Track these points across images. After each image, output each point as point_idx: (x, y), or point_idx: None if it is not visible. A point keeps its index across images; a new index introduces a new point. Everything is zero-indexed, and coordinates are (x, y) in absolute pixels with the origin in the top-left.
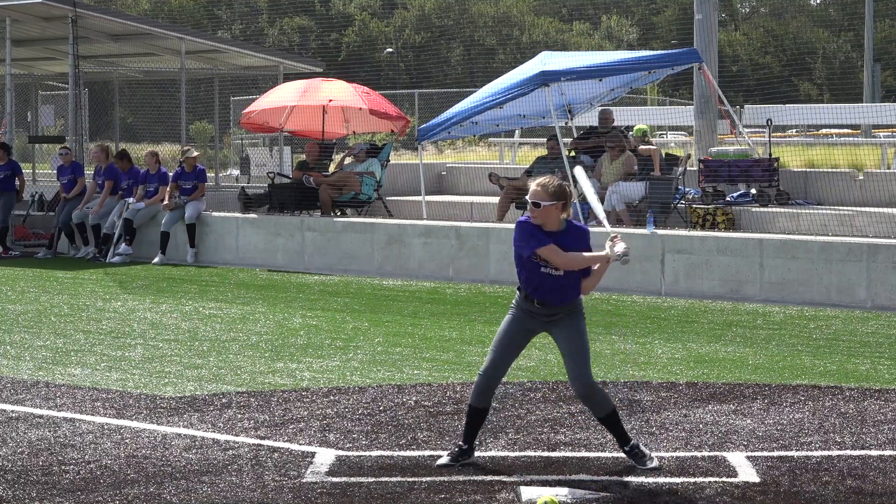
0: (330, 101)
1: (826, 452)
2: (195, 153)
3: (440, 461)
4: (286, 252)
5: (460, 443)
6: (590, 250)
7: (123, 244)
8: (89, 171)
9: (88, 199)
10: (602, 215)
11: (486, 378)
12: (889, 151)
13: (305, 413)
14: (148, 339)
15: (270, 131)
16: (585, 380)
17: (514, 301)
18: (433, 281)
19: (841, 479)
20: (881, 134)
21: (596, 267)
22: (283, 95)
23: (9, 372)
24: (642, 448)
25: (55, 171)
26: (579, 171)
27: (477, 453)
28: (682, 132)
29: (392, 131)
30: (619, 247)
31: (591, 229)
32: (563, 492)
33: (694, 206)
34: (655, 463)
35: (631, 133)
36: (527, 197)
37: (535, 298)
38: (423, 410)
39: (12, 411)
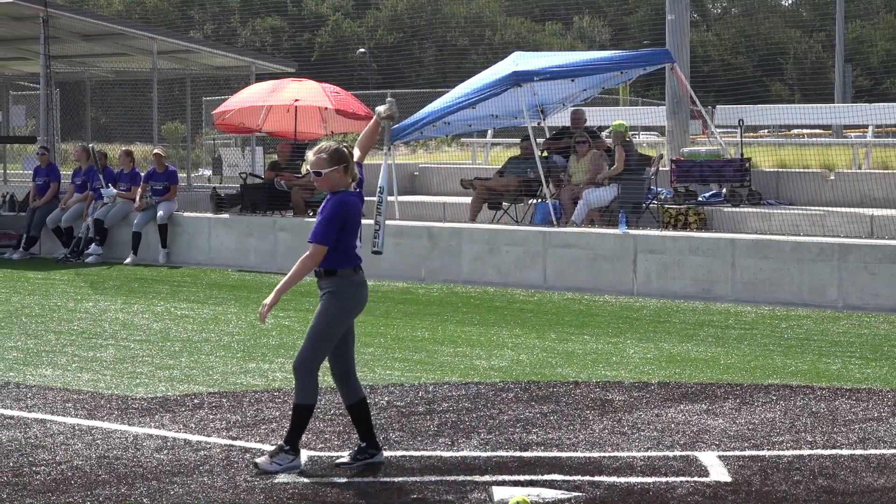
0: (296, 100)
1: (797, 452)
2: (156, 150)
3: (341, 461)
4: (258, 252)
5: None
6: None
7: (94, 244)
8: (66, 172)
9: (66, 202)
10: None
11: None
12: (860, 152)
13: (277, 413)
14: (119, 340)
15: (247, 132)
16: (297, 357)
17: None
18: (405, 281)
19: (812, 478)
20: (852, 134)
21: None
22: (251, 96)
23: None
24: (366, 453)
25: (31, 172)
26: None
27: (448, 454)
28: (654, 132)
29: None
30: (381, 108)
31: None
32: (534, 492)
33: (666, 206)
34: (346, 459)
35: (608, 129)
36: (308, 167)
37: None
38: (395, 410)
39: None
